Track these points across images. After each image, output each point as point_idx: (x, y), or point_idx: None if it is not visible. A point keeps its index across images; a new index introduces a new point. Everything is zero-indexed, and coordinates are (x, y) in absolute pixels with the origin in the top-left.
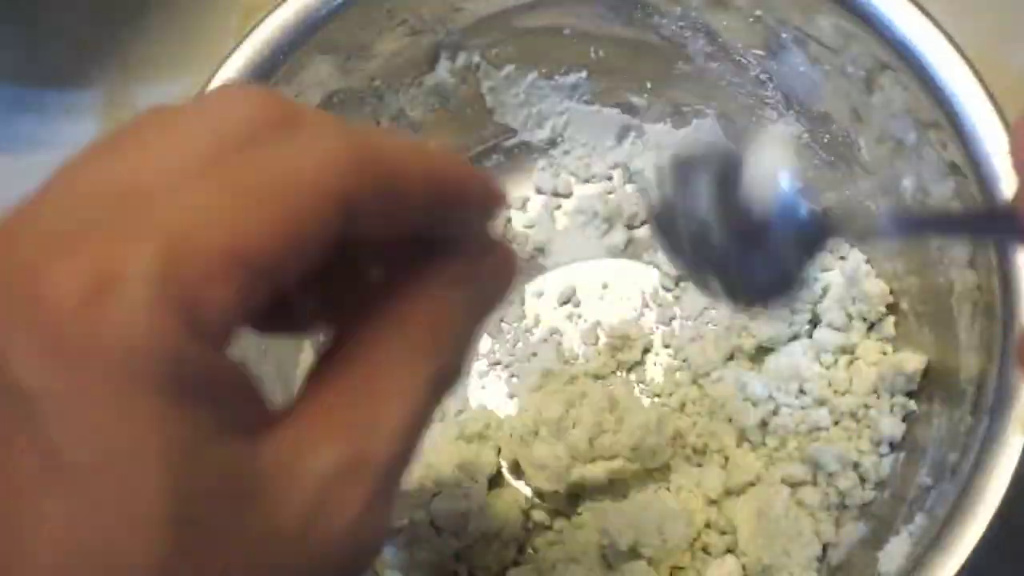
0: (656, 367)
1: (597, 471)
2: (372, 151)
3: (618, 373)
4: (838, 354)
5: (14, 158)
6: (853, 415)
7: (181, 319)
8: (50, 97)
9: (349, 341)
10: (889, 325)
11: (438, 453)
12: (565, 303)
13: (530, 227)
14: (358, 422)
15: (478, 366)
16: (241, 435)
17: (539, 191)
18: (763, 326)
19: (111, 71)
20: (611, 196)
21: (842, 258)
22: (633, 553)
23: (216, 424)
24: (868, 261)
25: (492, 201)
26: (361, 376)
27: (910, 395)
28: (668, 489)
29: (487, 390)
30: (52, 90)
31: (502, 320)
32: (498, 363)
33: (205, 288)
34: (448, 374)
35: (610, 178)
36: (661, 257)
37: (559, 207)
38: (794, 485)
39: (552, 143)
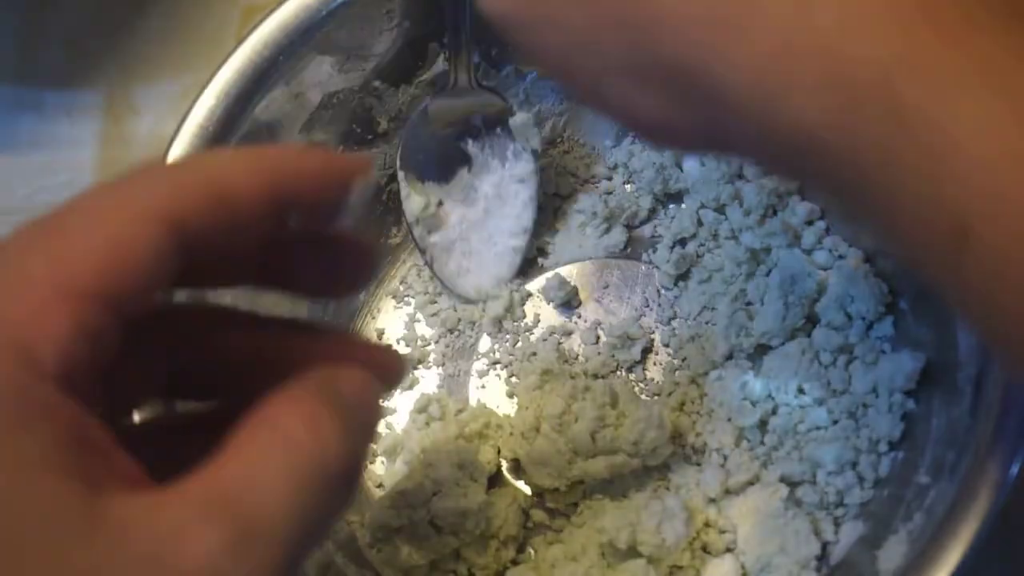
0: (656, 367)
1: (598, 466)
2: (197, 175)
3: (618, 373)
4: (837, 354)
5: (14, 158)
6: (852, 414)
7: (15, 356)
8: (50, 97)
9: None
10: (888, 324)
11: (437, 452)
12: (565, 303)
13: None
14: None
15: (478, 366)
16: (77, 480)
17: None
18: (761, 321)
19: (111, 71)
20: (611, 196)
21: (841, 257)
22: (632, 552)
23: (43, 458)
24: (867, 260)
25: (336, 177)
26: (239, 465)
27: (909, 394)
28: (667, 488)
29: (487, 389)
30: (52, 90)
31: (502, 320)
32: (498, 363)
33: (36, 325)
34: (335, 466)
35: (610, 178)
36: (661, 257)
37: (559, 207)
38: (793, 484)
39: (552, 143)
